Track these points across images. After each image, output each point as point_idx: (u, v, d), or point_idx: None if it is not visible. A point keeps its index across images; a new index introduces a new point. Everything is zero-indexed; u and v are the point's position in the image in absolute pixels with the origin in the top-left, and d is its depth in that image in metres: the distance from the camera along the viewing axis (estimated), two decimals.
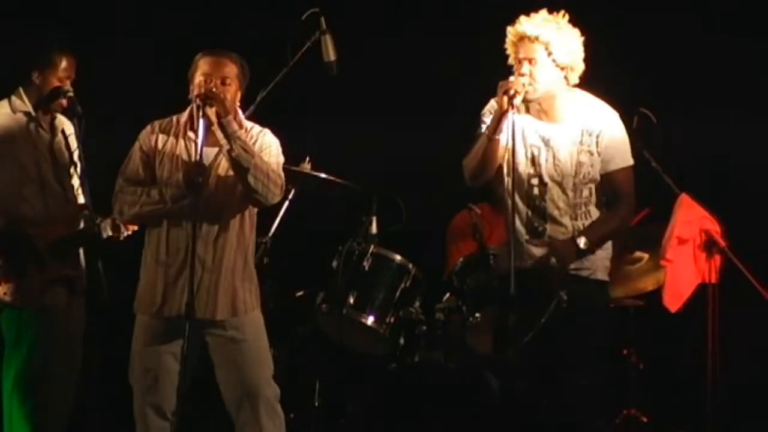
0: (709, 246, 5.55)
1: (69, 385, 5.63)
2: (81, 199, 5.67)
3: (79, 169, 5.50)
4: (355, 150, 6.86)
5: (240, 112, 5.36)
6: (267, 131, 5.39)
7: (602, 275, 5.34)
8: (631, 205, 5.34)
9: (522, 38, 5.21)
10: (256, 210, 5.40)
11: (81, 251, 5.66)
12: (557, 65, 5.21)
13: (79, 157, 5.53)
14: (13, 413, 5.59)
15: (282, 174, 5.31)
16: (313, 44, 6.04)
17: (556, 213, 5.28)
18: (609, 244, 5.36)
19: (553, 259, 5.17)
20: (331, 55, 6.03)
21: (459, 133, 5.51)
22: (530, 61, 5.19)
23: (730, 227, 5.62)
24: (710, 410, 5.62)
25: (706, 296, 5.56)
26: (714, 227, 5.59)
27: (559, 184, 5.27)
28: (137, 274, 5.35)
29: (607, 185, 5.30)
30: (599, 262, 5.31)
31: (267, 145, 5.33)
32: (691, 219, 5.59)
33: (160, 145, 5.30)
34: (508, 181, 5.28)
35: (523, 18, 5.24)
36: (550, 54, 5.19)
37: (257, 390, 5.21)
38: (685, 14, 6.84)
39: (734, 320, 5.74)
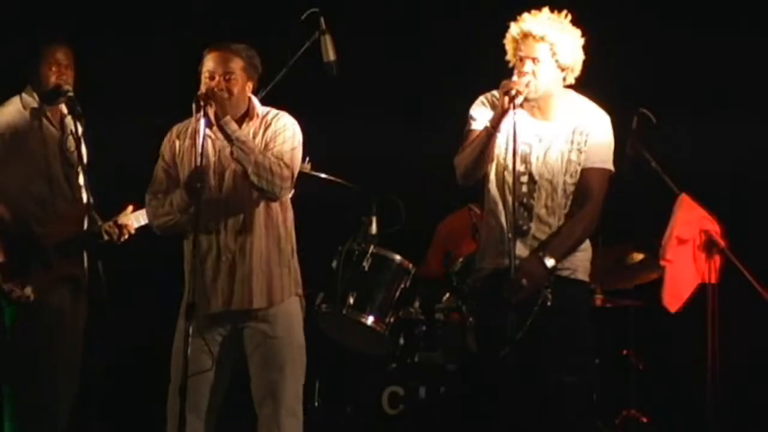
0: (709, 246, 5.55)
1: (70, 385, 5.64)
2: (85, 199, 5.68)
3: (83, 169, 5.49)
4: (355, 150, 6.86)
5: (254, 99, 5.31)
6: (283, 114, 5.31)
7: (582, 275, 5.24)
8: (596, 209, 5.19)
9: (526, 36, 5.11)
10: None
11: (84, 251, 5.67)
12: (559, 66, 5.14)
13: (82, 156, 5.53)
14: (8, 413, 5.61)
15: (293, 162, 5.23)
16: (312, 44, 6.03)
17: (543, 212, 5.19)
18: (587, 244, 5.25)
19: (524, 281, 5.05)
20: (330, 55, 6.01)
21: (458, 133, 5.51)
22: (534, 60, 5.11)
23: (729, 227, 5.62)
24: (710, 410, 5.62)
25: (706, 296, 5.56)
26: (714, 227, 5.58)
27: (550, 182, 5.18)
28: (136, 274, 5.35)
29: (579, 183, 5.19)
30: (579, 263, 5.22)
31: (281, 129, 5.26)
32: (690, 219, 5.59)
33: (177, 149, 5.28)
34: (496, 179, 5.22)
35: (527, 16, 5.14)
36: (554, 55, 5.11)
37: (279, 390, 5.19)
38: (686, 15, 6.85)
39: (734, 320, 5.74)
